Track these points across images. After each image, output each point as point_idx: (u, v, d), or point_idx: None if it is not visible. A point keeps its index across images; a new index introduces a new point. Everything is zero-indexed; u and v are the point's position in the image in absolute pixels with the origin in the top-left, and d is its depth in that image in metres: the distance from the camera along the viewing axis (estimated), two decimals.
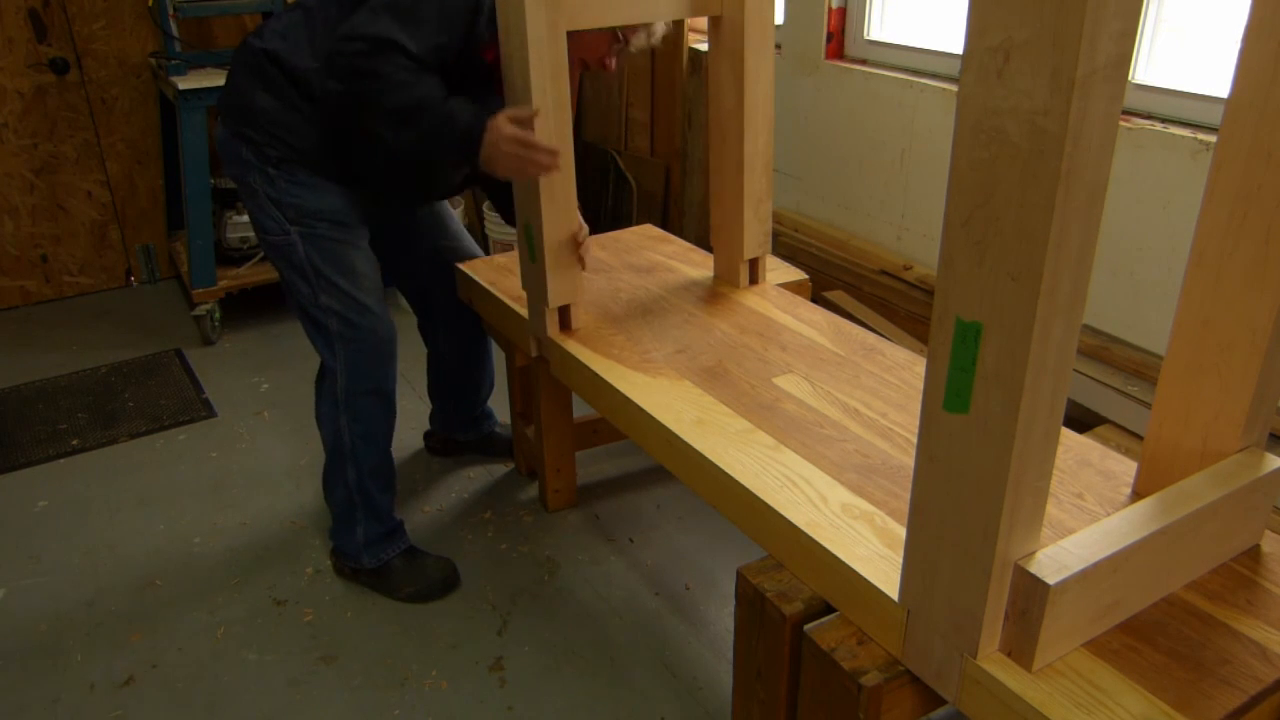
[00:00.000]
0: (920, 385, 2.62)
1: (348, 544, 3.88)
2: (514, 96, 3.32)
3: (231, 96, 3.48)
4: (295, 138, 3.41)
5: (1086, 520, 2.43)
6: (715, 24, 3.58)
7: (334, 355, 3.61)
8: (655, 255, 4.24)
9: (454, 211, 4.21)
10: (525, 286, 3.68)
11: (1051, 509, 2.46)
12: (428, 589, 3.83)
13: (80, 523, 4.31)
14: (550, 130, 3.28)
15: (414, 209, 3.96)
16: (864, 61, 4.92)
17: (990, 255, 1.68)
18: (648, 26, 3.51)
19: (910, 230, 4.71)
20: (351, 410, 3.68)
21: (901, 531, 2.40)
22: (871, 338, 3.44)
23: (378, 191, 3.62)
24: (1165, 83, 3.73)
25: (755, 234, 3.80)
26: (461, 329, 4.28)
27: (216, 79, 5.54)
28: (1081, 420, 3.80)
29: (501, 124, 3.13)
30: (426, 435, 4.77)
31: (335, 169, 3.47)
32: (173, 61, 5.60)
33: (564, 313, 3.59)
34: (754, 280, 3.89)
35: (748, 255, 3.82)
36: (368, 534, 3.85)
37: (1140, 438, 3.55)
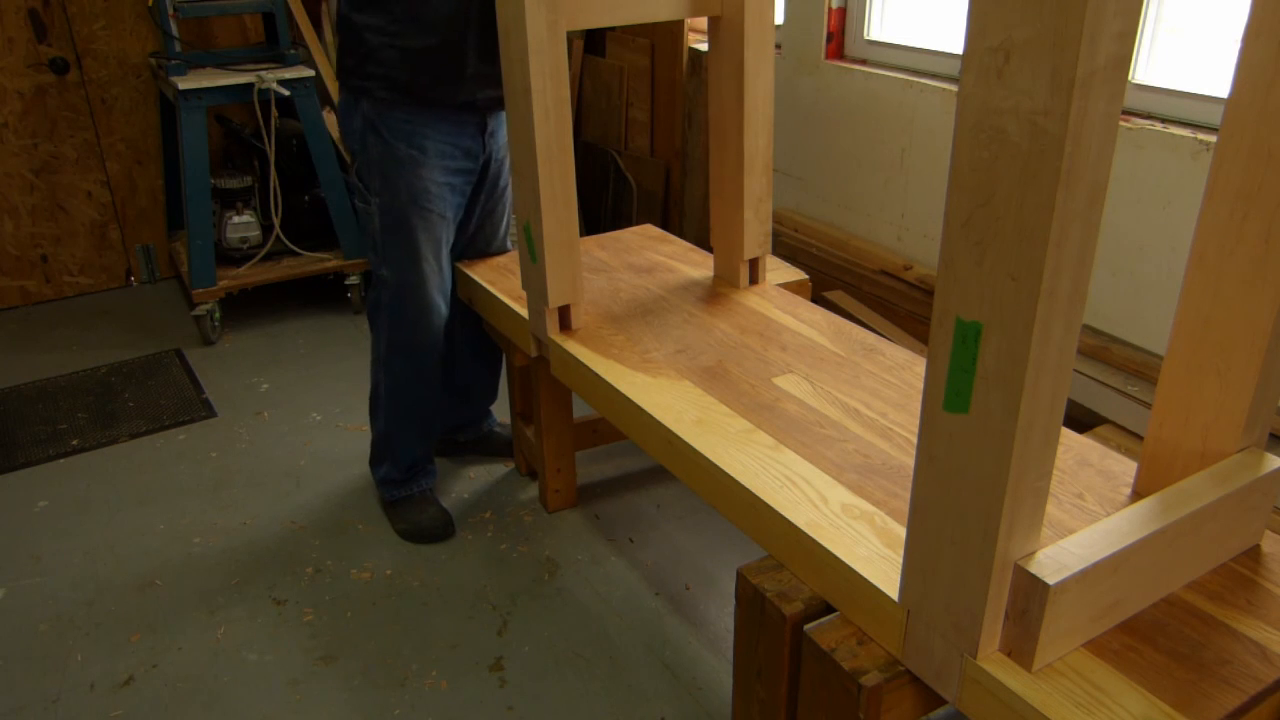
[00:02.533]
0: (920, 385, 2.62)
1: (375, 471, 4.32)
2: (513, 96, 3.33)
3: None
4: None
5: (1086, 520, 2.43)
6: (715, 24, 3.58)
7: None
8: (655, 255, 4.24)
9: (504, 222, 4.25)
10: (525, 286, 3.69)
11: (1051, 509, 2.46)
12: (417, 532, 4.17)
13: (80, 523, 4.31)
14: (550, 131, 3.29)
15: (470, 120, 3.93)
16: (864, 61, 4.91)
17: (990, 255, 1.68)
18: None
19: (910, 230, 4.71)
20: (388, 368, 3.99)
21: (902, 531, 2.40)
22: (871, 338, 3.44)
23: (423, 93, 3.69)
24: (1165, 83, 3.73)
25: (755, 234, 3.80)
26: (479, 325, 4.33)
27: (216, 79, 5.56)
28: (1082, 420, 3.80)
29: None
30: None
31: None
32: (173, 61, 5.60)
33: (564, 313, 3.59)
34: (754, 280, 3.89)
35: (748, 255, 3.82)
36: (388, 473, 4.22)
37: (1140, 438, 3.55)
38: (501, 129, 3.93)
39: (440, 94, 3.63)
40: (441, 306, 3.96)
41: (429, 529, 4.14)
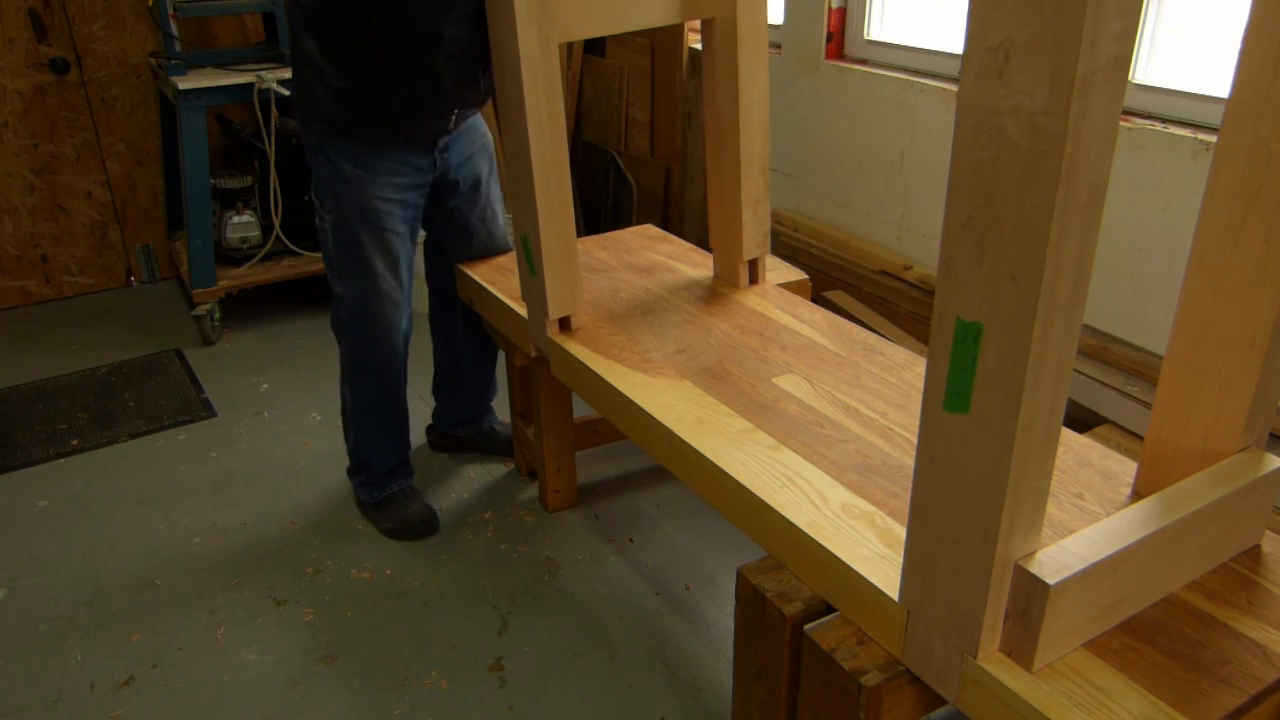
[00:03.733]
0: (920, 385, 2.62)
1: (353, 480, 4.35)
2: (507, 111, 3.34)
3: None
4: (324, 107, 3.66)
5: (1087, 520, 2.43)
6: (708, 27, 3.59)
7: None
8: (655, 255, 4.24)
9: (499, 209, 4.25)
10: (525, 298, 3.70)
11: (1052, 509, 2.46)
12: (403, 529, 4.19)
13: (80, 523, 4.31)
14: (545, 144, 3.29)
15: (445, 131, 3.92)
16: (864, 61, 4.92)
17: (990, 255, 1.68)
18: None
19: (910, 230, 4.71)
20: (352, 384, 4.08)
21: (902, 531, 2.41)
22: (872, 338, 3.45)
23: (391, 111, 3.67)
24: (1165, 83, 3.74)
25: (753, 235, 3.80)
26: (479, 323, 4.34)
27: (217, 79, 5.55)
28: (1082, 420, 3.80)
29: None
30: (428, 430, 4.81)
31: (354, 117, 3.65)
32: (173, 61, 5.59)
33: (564, 320, 3.61)
34: (754, 280, 3.89)
35: (746, 256, 3.82)
36: (366, 480, 4.23)
37: (1140, 438, 3.56)
38: (457, 143, 3.92)
39: (376, 132, 3.66)
40: (400, 321, 3.97)
41: (415, 524, 4.17)
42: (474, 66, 3.64)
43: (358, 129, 3.64)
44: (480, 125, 4.09)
